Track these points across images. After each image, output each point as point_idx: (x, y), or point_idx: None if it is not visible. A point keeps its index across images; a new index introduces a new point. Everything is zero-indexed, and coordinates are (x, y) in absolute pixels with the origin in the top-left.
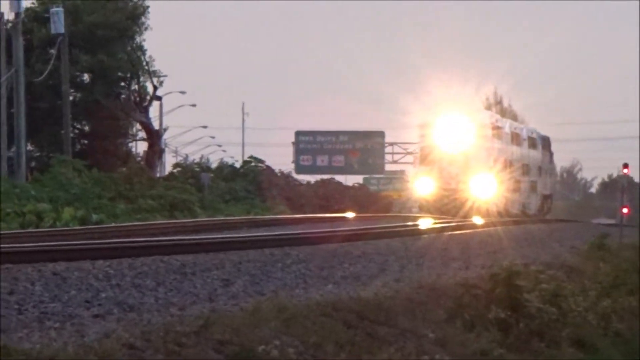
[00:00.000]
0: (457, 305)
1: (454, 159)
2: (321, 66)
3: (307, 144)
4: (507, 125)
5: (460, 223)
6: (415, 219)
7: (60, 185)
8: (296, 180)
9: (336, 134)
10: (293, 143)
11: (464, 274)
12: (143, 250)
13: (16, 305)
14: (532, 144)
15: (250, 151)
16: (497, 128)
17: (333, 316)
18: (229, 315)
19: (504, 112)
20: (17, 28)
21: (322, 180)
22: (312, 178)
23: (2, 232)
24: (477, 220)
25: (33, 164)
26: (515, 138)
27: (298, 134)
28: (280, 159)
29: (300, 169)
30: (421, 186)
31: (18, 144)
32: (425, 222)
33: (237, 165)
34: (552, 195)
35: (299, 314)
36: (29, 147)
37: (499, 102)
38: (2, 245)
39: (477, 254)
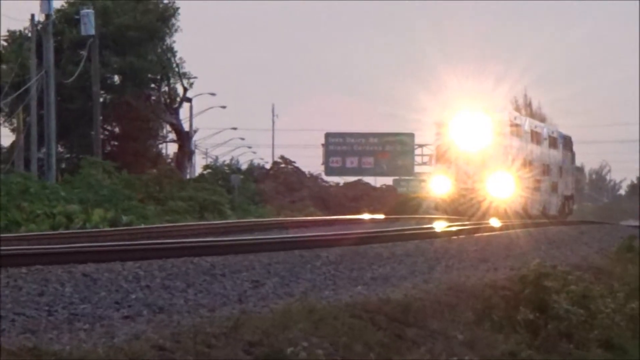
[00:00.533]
0: (485, 307)
1: (470, 158)
2: (351, 68)
3: (337, 146)
4: (526, 123)
5: (484, 224)
6: (434, 220)
7: (90, 187)
8: (324, 181)
9: (366, 135)
10: (323, 145)
11: (492, 275)
12: (173, 252)
13: (46, 307)
14: (553, 143)
15: (279, 153)
16: (515, 126)
17: (362, 317)
18: (258, 317)
19: (534, 115)
20: (47, 29)
21: (350, 182)
22: (342, 180)
23: (32, 233)
24: (495, 222)
25: (63, 165)
26: (535, 137)
27: (328, 135)
28: (310, 160)
29: (330, 171)
30: (437, 185)
31: (48, 146)
32: (447, 224)
33: (267, 166)
34: (574, 197)
35: (329, 315)
36: (59, 149)
37: (528, 105)
38: (31, 247)
39: (505, 255)
